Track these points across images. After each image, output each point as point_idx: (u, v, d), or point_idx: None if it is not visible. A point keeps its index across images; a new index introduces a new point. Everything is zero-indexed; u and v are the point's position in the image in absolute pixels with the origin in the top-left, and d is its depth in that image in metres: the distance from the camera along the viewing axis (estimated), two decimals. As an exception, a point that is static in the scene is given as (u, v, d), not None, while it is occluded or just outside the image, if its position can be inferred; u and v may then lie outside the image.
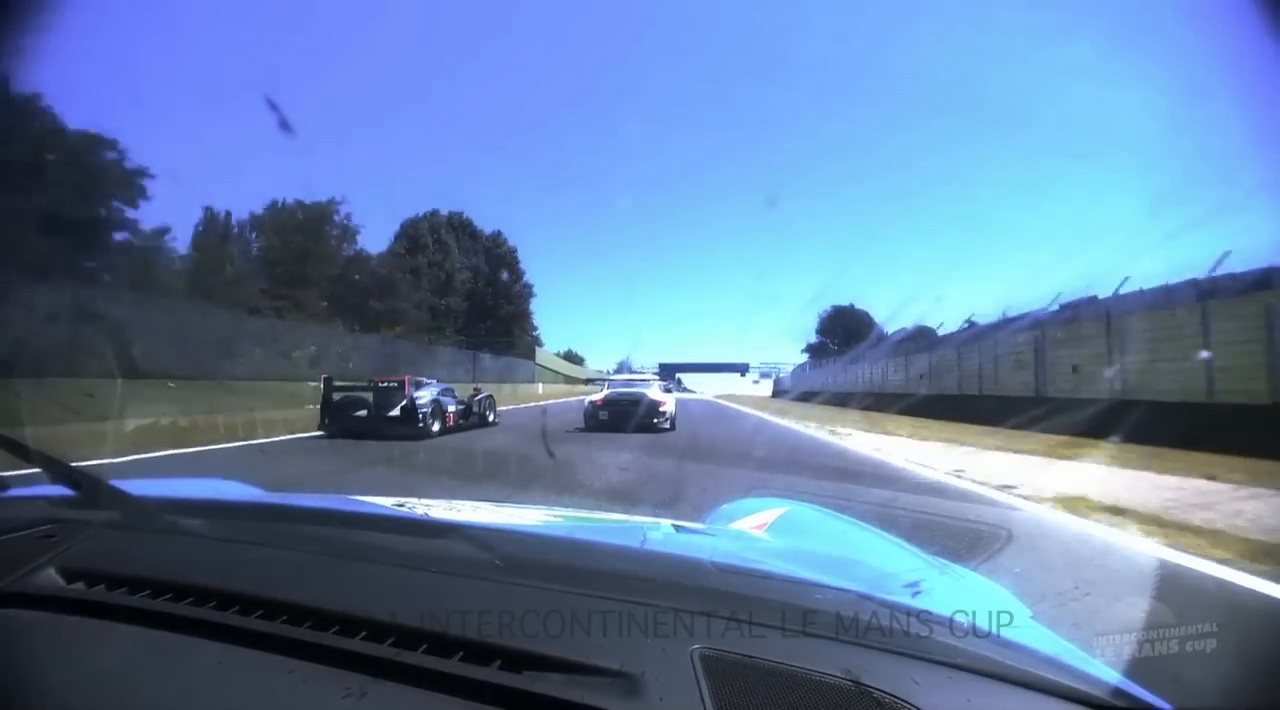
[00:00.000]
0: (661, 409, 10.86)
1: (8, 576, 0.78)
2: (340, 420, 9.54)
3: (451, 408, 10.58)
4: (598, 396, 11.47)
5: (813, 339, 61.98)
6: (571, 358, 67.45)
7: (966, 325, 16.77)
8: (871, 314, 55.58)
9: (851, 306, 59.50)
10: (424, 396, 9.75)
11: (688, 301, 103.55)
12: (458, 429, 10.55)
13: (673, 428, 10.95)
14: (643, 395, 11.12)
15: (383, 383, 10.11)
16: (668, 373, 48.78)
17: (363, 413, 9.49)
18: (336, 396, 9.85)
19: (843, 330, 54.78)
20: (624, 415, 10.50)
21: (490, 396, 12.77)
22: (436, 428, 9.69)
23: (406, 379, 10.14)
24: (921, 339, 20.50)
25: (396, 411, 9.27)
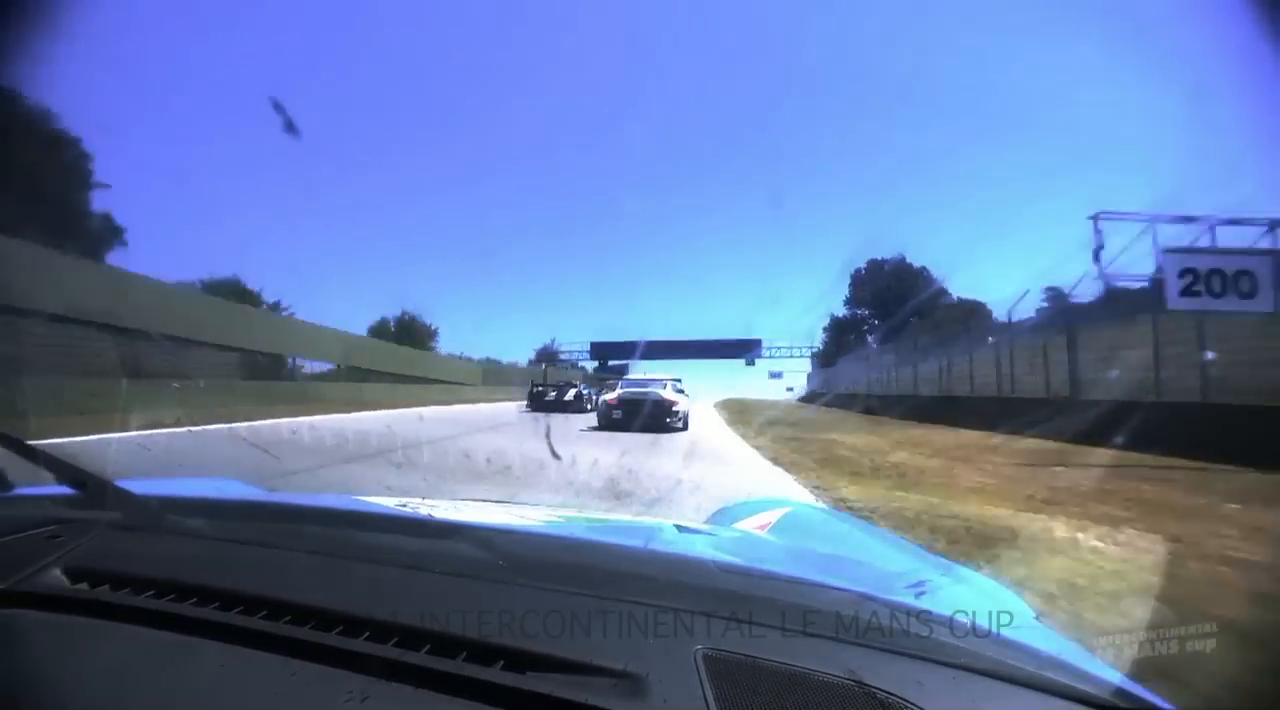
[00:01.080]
0: (675, 408, 11.49)
1: (13, 576, 0.78)
2: (537, 402, 19.70)
3: (593, 396, 18.80)
4: (611, 396, 12.42)
5: (841, 311, 41.67)
6: (409, 329, 34.43)
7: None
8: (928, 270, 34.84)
9: (903, 260, 36.01)
10: (584, 390, 20.10)
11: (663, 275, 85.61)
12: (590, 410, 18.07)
13: (685, 427, 11.50)
14: (655, 395, 11.84)
15: (562, 383, 21.06)
16: (610, 363, 34.73)
17: (550, 398, 19.38)
18: (537, 389, 20.38)
19: (893, 295, 36.23)
20: (636, 414, 11.18)
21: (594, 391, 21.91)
22: (589, 408, 17.64)
23: (577, 382, 21.80)
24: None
25: (570, 397, 19.23)
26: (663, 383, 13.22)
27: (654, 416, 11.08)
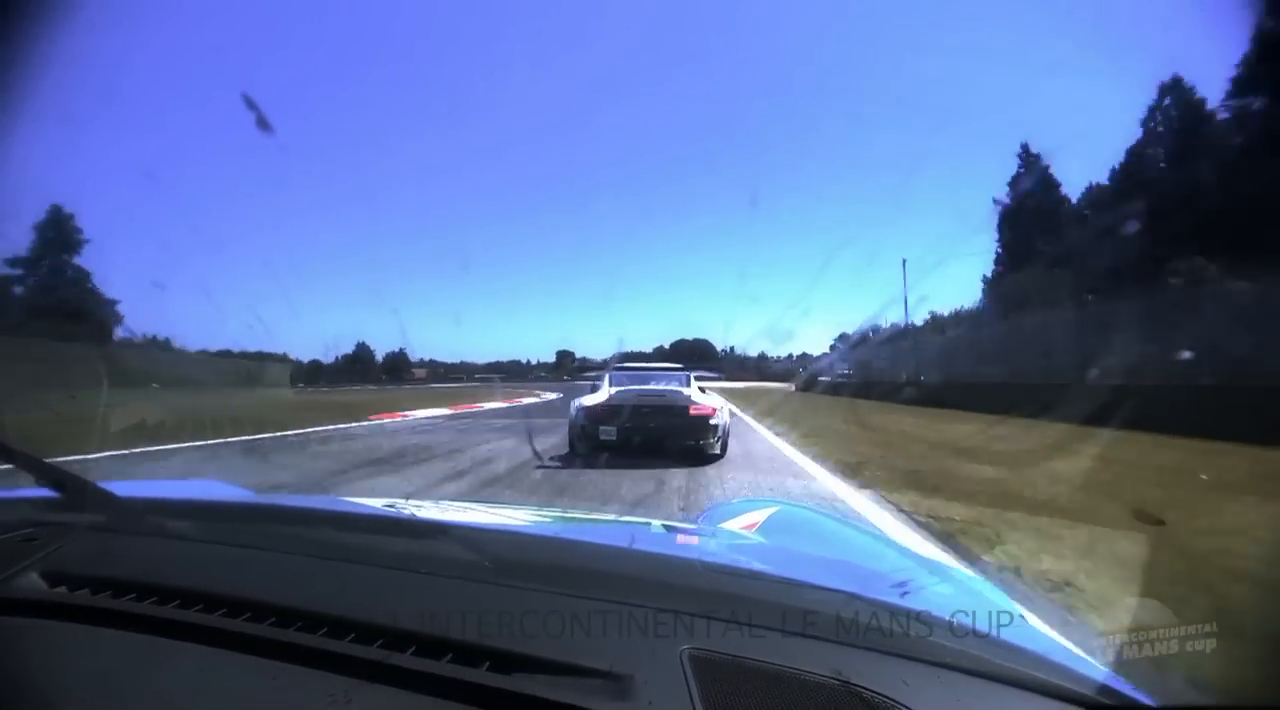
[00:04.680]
0: (711, 421, 6.50)
1: None
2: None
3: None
4: (595, 399, 6.74)
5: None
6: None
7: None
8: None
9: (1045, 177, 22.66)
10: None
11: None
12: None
13: (723, 453, 6.74)
14: (672, 397, 6.60)
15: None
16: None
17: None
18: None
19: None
20: (642, 431, 6.39)
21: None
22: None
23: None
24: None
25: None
26: (683, 377, 7.61)
27: (672, 434, 6.41)
